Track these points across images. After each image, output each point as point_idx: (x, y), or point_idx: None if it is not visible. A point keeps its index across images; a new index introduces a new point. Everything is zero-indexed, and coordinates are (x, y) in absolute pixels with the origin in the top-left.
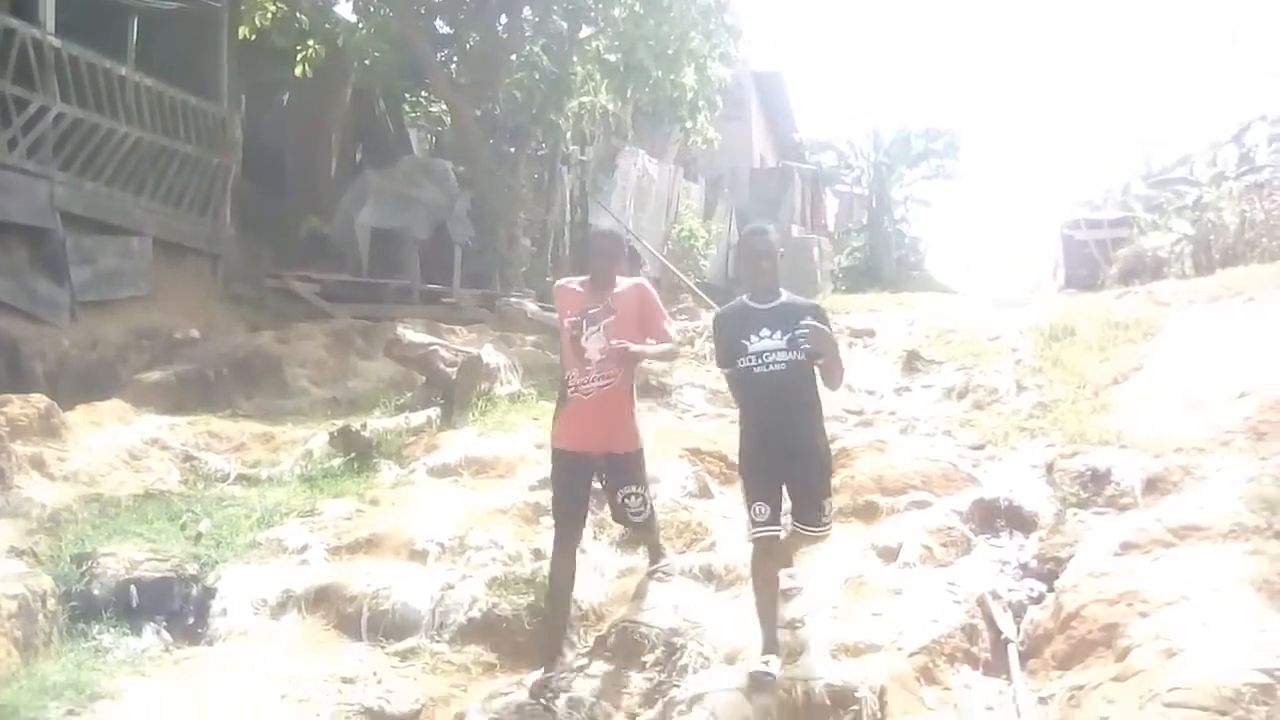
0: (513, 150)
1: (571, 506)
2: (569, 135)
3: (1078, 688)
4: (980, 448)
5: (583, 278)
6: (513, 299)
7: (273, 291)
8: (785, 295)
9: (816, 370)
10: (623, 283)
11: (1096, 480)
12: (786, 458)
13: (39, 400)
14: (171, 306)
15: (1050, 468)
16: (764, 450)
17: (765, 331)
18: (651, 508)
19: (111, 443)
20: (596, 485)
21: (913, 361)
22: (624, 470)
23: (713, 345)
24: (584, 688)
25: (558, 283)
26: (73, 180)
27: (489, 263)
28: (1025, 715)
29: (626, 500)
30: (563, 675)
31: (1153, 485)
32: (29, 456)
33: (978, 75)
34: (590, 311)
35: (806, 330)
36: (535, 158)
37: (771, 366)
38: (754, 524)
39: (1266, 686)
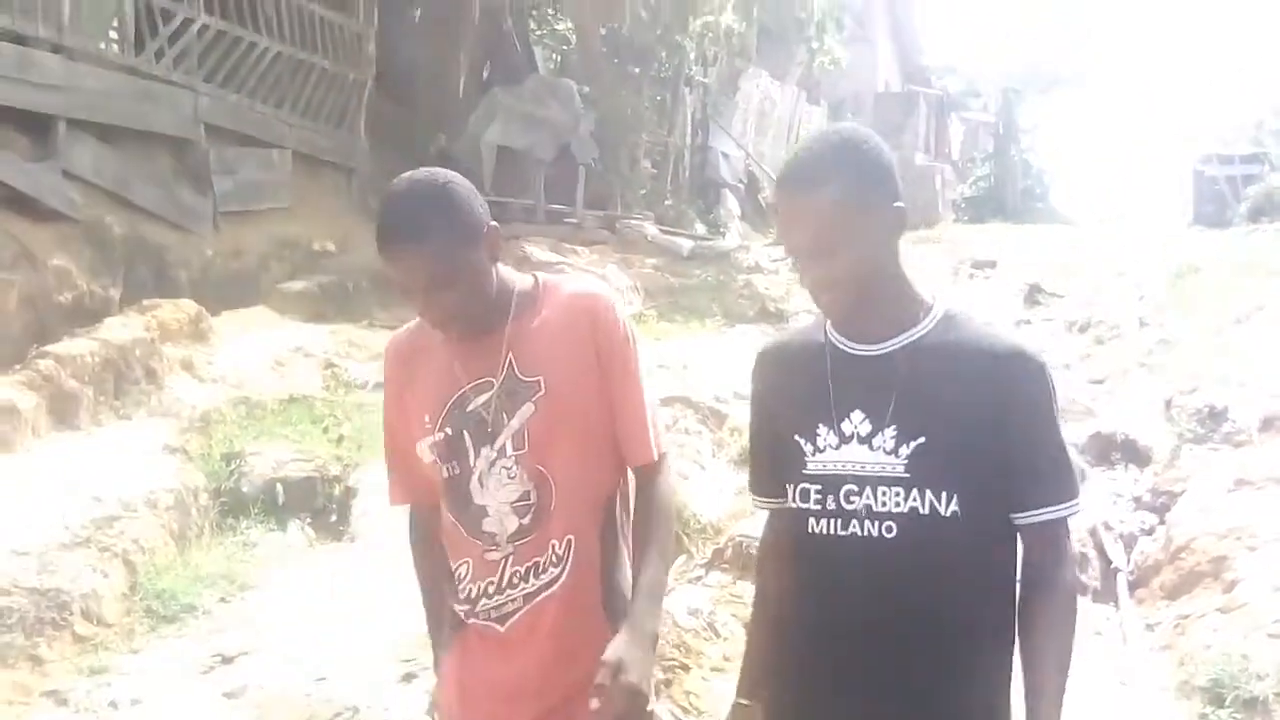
0: (637, 71)
1: None
2: (692, 56)
3: (1184, 616)
4: (1100, 382)
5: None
6: (633, 221)
7: None
8: (930, 318)
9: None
10: (552, 290)
11: (1213, 417)
12: None
13: (188, 305)
14: (309, 218)
15: (1168, 404)
16: None
17: (857, 418)
18: None
19: (257, 348)
20: None
21: (1034, 294)
22: None
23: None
24: (702, 596)
25: (390, 339)
26: (216, 92)
27: (611, 184)
28: (1131, 641)
29: None
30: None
31: (1269, 424)
32: (179, 359)
33: (1112, 3)
34: (473, 402)
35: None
36: (658, 79)
37: (855, 521)
38: None
39: None
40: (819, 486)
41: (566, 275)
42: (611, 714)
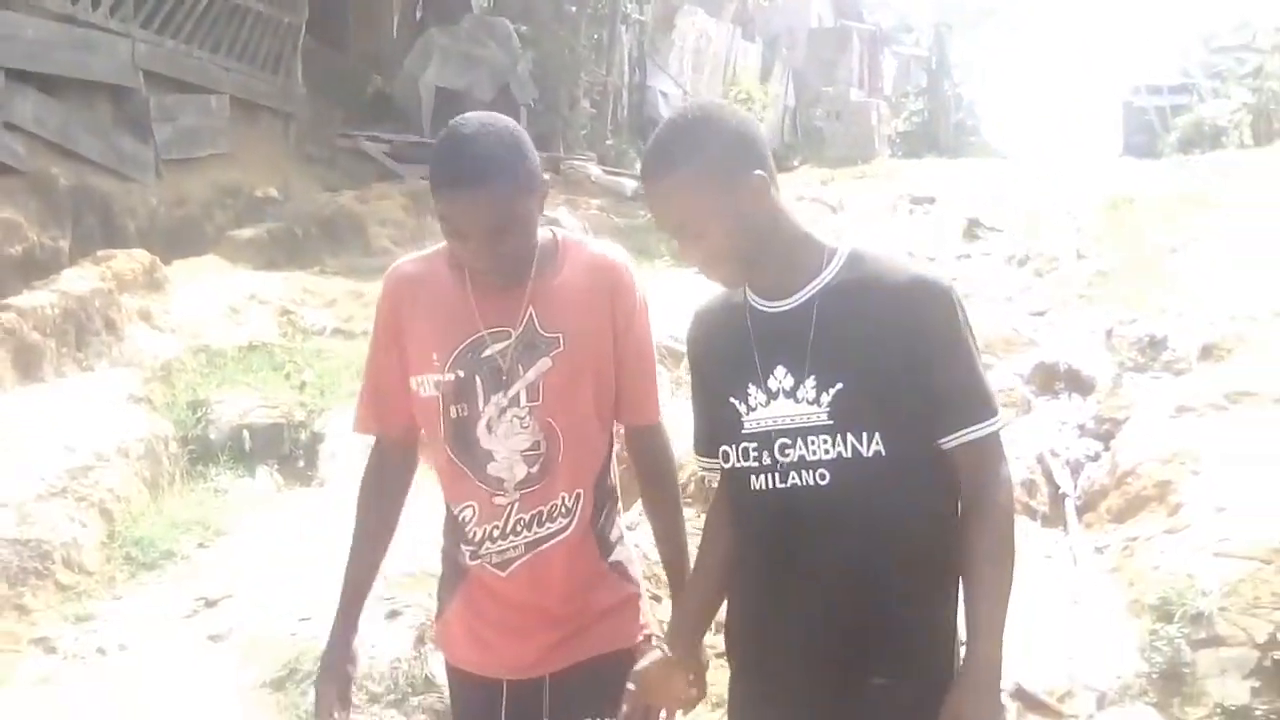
0: (573, 9)
1: None
2: None
3: (1131, 539)
4: (1041, 314)
5: (433, 250)
6: (576, 162)
7: (343, 151)
8: (835, 263)
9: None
10: (571, 249)
11: (1153, 346)
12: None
13: (142, 255)
14: (249, 165)
15: (1109, 334)
16: (770, 691)
17: (780, 373)
18: None
19: (211, 297)
20: None
21: (973, 229)
22: (586, 697)
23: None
24: None
25: (386, 276)
26: (153, 38)
27: (552, 125)
28: (1081, 563)
29: None
30: None
31: (1208, 351)
32: (136, 309)
33: None
34: (488, 349)
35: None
36: (595, 17)
37: (793, 473)
38: None
39: None
40: (755, 444)
41: (584, 236)
42: None
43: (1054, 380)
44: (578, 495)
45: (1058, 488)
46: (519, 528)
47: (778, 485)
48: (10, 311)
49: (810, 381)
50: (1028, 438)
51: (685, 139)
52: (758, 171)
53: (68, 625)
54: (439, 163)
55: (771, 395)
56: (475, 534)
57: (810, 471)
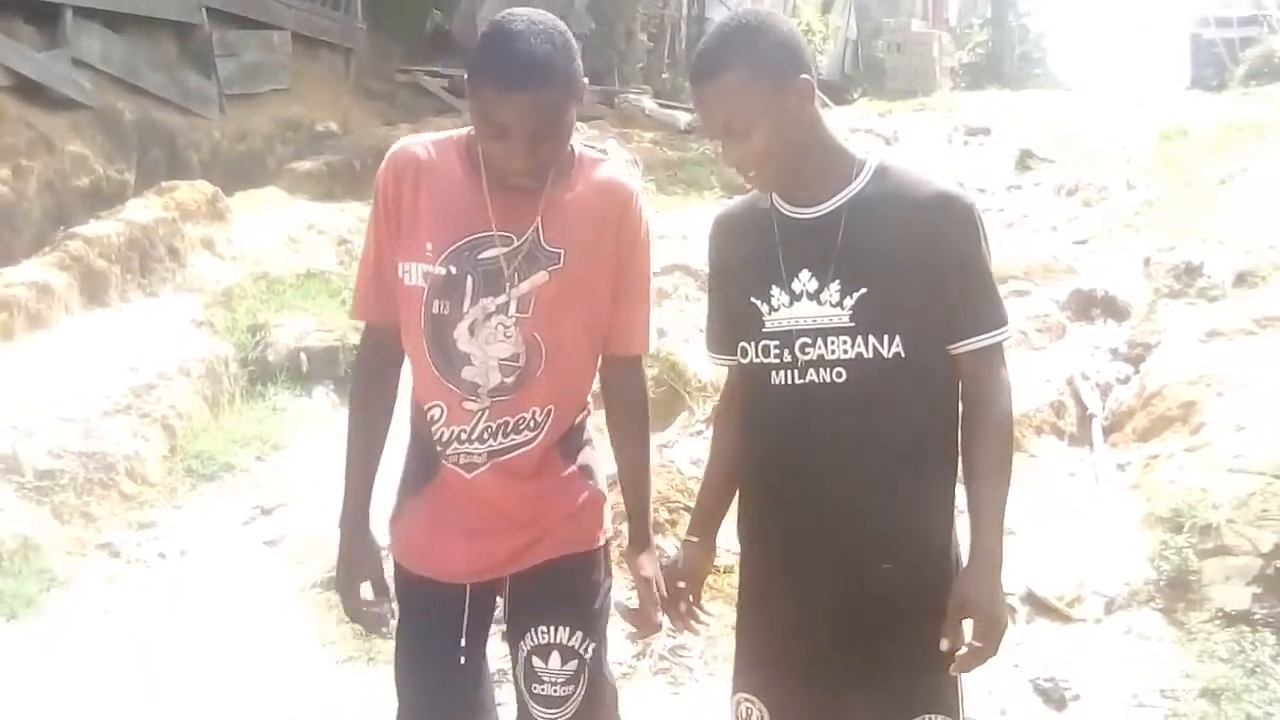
0: None
1: (447, 694)
2: None
3: (1153, 457)
4: (1083, 242)
5: (466, 135)
6: (631, 95)
7: (402, 86)
8: (865, 174)
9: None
10: (586, 167)
11: (1189, 273)
12: (839, 608)
13: (205, 186)
14: (310, 100)
15: (1147, 261)
16: (784, 581)
17: (805, 277)
18: (599, 680)
19: (271, 226)
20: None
21: (1025, 160)
22: (547, 597)
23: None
24: (703, 448)
25: (392, 152)
26: None
27: (607, 58)
28: (1103, 480)
29: (541, 654)
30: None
31: (1242, 279)
32: (199, 238)
33: None
34: (489, 250)
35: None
36: None
37: (812, 370)
38: None
39: None
40: (777, 342)
41: (601, 155)
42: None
43: (1090, 306)
44: (549, 411)
45: (1086, 409)
46: (485, 435)
47: (796, 381)
48: (78, 240)
49: (834, 286)
50: (1060, 361)
51: (734, 42)
52: (803, 76)
53: (131, 532)
54: (488, 60)
55: (795, 297)
56: (443, 434)
57: (828, 369)
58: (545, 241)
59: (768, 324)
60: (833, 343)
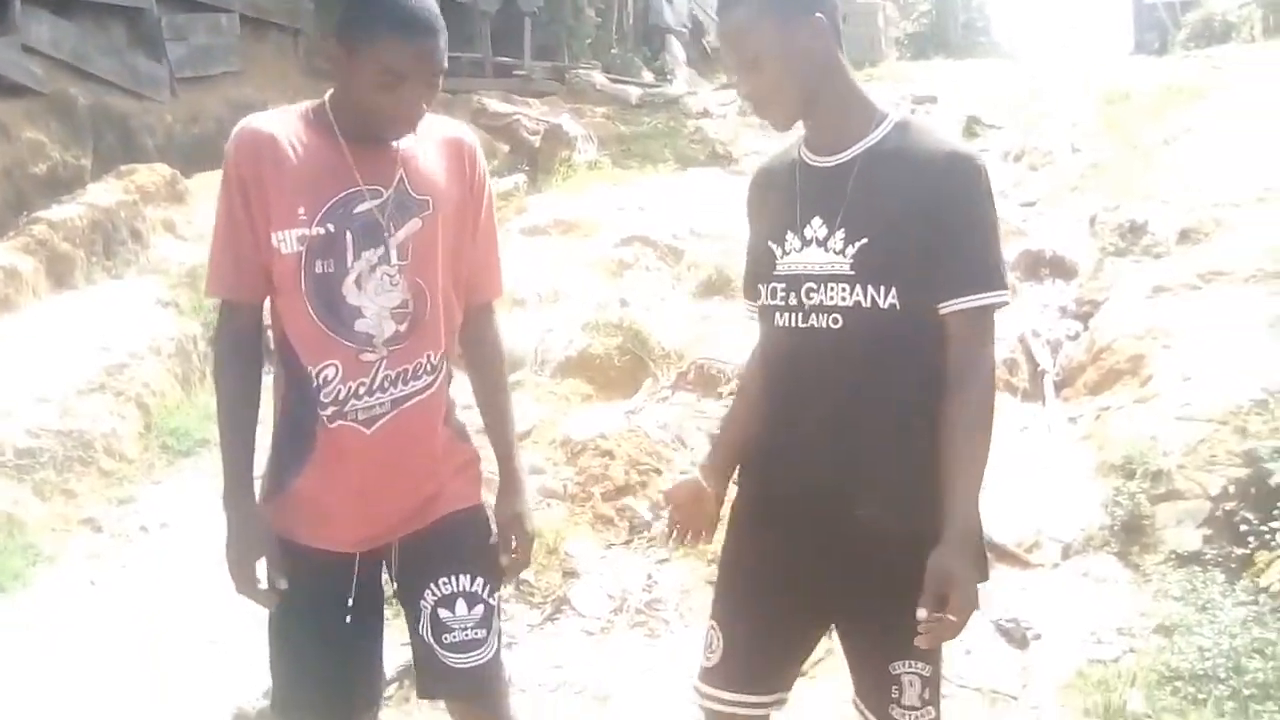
0: None
1: (336, 688)
2: None
3: (1104, 409)
4: (1031, 204)
5: (311, 105)
6: (581, 71)
7: (322, 44)
8: (883, 128)
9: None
10: (427, 123)
11: (1134, 231)
12: (820, 545)
13: (163, 169)
14: (260, 82)
15: (1093, 221)
16: (769, 512)
17: (816, 223)
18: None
19: None
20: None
21: (972, 126)
22: (444, 551)
23: None
24: (669, 413)
25: (238, 129)
26: None
27: (556, 35)
28: (1056, 432)
29: (447, 604)
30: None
31: (1186, 235)
32: (160, 220)
33: None
34: (361, 204)
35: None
36: None
37: (814, 315)
38: (702, 673)
39: (1262, 401)
40: (784, 285)
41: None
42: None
43: (1039, 266)
44: (441, 354)
45: (1038, 365)
46: (385, 384)
47: (799, 325)
48: (41, 224)
49: (840, 234)
50: (1011, 320)
51: None
52: (818, 14)
53: (111, 507)
54: (387, 11)
55: (805, 243)
56: (340, 392)
57: (827, 315)
58: (412, 189)
59: (779, 267)
60: (833, 289)
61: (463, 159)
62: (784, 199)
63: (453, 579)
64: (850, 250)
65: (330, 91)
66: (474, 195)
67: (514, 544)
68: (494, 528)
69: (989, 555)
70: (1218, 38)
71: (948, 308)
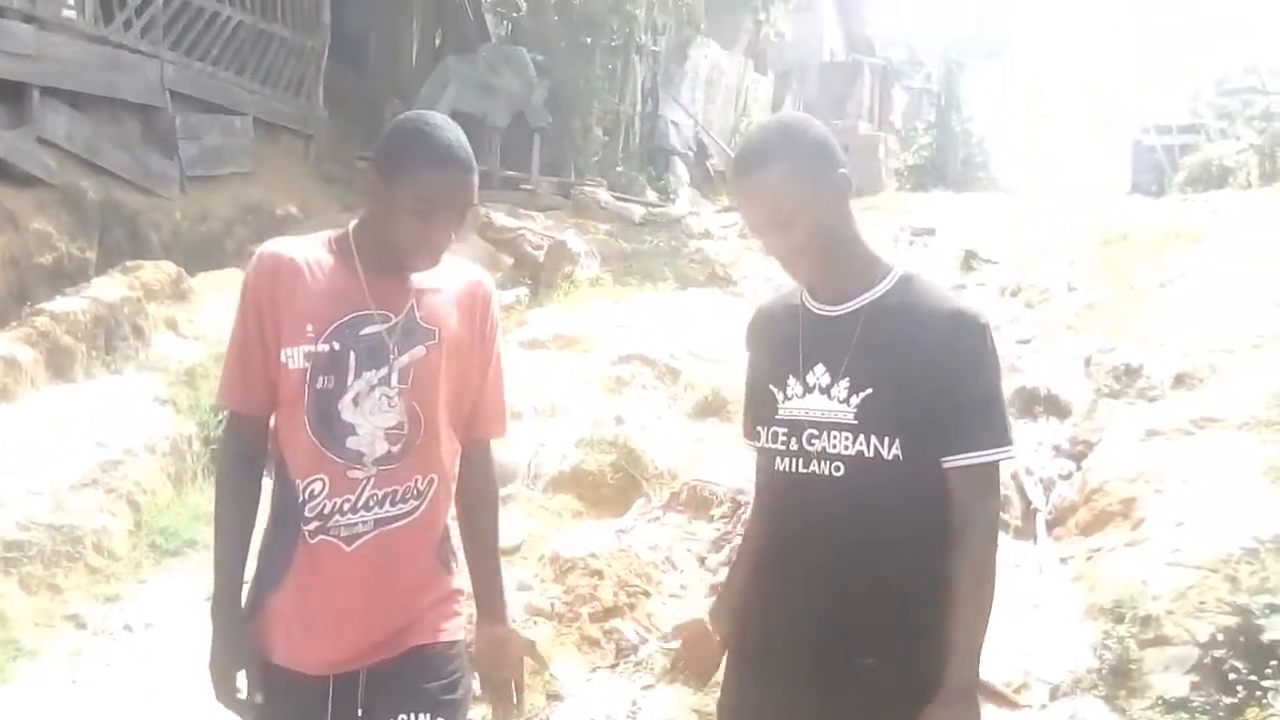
0: (588, 40)
1: None
2: (643, 24)
3: (1095, 550)
4: (1026, 342)
5: (334, 234)
6: (587, 187)
7: (362, 172)
8: (888, 281)
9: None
10: (449, 265)
11: (1129, 374)
12: (819, 693)
13: (169, 266)
14: (271, 183)
15: (1088, 361)
16: (768, 658)
17: (819, 370)
18: None
19: (233, 307)
20: None
21: (970, 260)
22: (407, 686)
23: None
24: (660, 534)
25: (260, 252)
26: (180, 60)
27: (564, 151)
28: (1047, 572)
29: None
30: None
31: (1180, 380)
32: (163, 317)
33: None
34: (369, 327)
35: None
36: (609, 48)
37: (814, 461)
38: None
39: (1253, 550)
40: (785, 430)
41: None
42: None
43: (1034, 404)
44: (431, 480)
45: (1030, 503)
46: (370, 503)
47: (800, 470)
48: (44, 315)
49: (844, 383)
50: (1012, 456)
51: (778, 138)
52: (840, 170)
53: (97, 604)
54: (422, 144)
55: (808, 389)
56: (324, 507)
57: (829, 463)
58: (420, 319)
59: (781, 411)
60: (835, 437)
61: (475, 302)
62: (785, 343)
63: (411, 717)
64: (854, 400)
65: (354, 222)
66: (484, 340)
67: (503, 660)
68: (465, 665)
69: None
70: (1215, 182)
71: (951, 462)
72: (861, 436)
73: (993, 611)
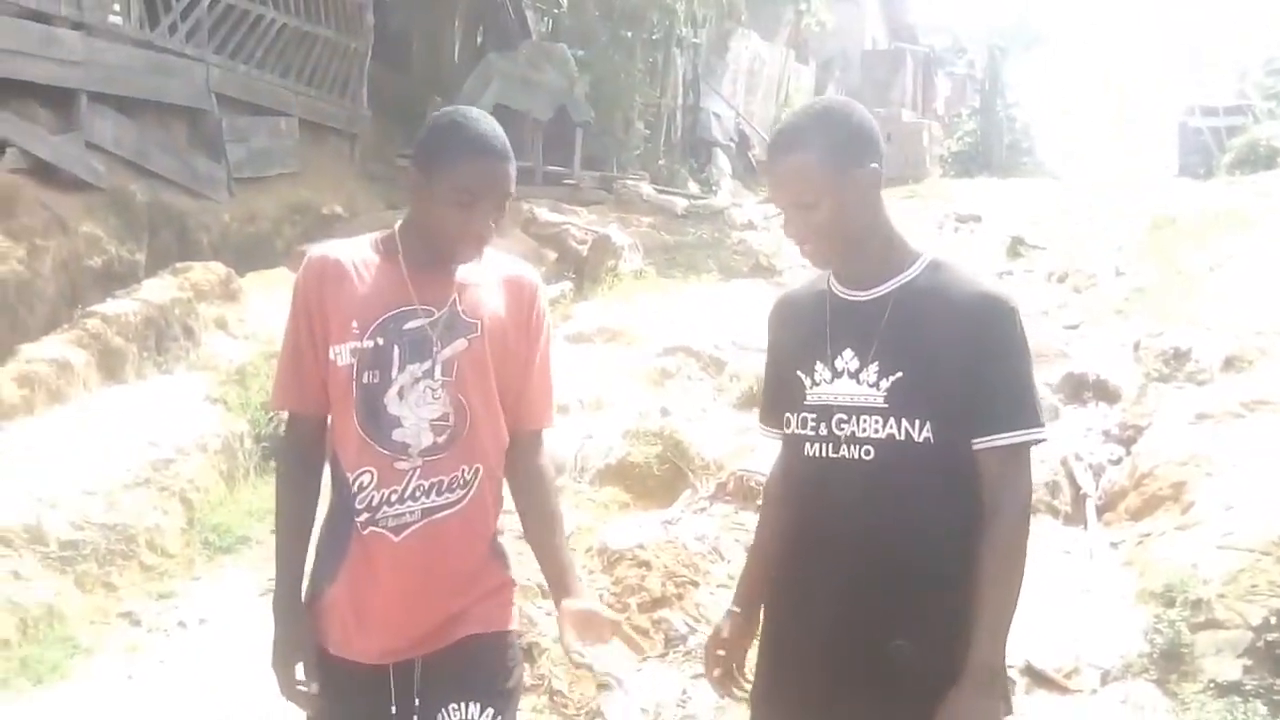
0: (629, 34)
1: None
2: (683, 17)
3: (1145, 535)
4: (1074, 327)
5: (381, 234)
6: (629, 181)
7: (404, 170)
8: (917, 266)
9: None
10: (494, 260)
11: (1178, 357)
12: (852, 680)
13: (218, 267)
14: (316, 184)
15: (1137, 346)
16: (800, 646)
17: (848, 355)
18: None
19: (282, 306)
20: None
21: (1016, 247)
22: (459, 676)
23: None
24: (708, 524)
25: (309, 256)
26: (226, 63)
27: (606, 145)
28: (1097, 557)
29: None
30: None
31: (1230, 363)
32: (213, 317)
33: None
34: (413, 321)
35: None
36: (650, 41)
37: (844, 446)
38: None
39: None
40: (814, 415)
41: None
42: None
43: (1082, 389)
44: (477, 470)
45: (1080, 489)
46: (418, 493)
47: (829, 455)
48: (96, 318)
49: (874, 367)
50: (1053, 443)
51: (815, 123)
52: (873, 164)
53: (151, 602)
54: (462, 137)
55: (836, 374)
56: (373, 498)
57: (859, 447)
58: (463, 312)
59: (809, 397)
60: (866, 421)
61: (522, 296)
62: (812, 329)
63: (462, 706)
64: (885, 384)
65: (400, 221)
66: (530, 331)
67: (594, 628)
68: (517, 655)
69: (1028, 680)
70: (1263, 163)
71: (982, 444)
72: (892, 420)
73: (1021, 592)
